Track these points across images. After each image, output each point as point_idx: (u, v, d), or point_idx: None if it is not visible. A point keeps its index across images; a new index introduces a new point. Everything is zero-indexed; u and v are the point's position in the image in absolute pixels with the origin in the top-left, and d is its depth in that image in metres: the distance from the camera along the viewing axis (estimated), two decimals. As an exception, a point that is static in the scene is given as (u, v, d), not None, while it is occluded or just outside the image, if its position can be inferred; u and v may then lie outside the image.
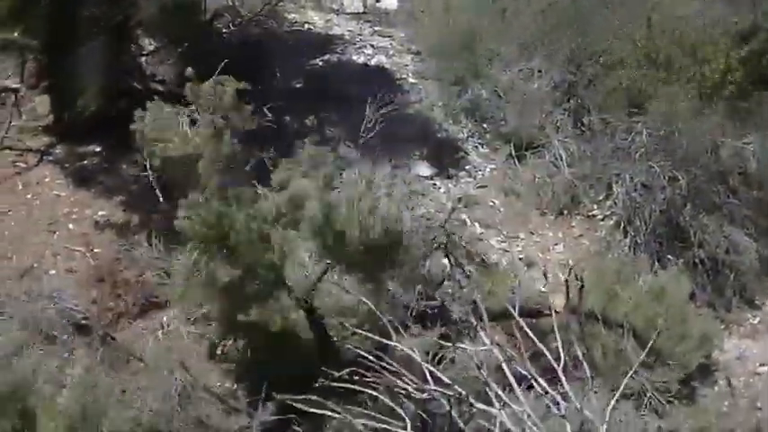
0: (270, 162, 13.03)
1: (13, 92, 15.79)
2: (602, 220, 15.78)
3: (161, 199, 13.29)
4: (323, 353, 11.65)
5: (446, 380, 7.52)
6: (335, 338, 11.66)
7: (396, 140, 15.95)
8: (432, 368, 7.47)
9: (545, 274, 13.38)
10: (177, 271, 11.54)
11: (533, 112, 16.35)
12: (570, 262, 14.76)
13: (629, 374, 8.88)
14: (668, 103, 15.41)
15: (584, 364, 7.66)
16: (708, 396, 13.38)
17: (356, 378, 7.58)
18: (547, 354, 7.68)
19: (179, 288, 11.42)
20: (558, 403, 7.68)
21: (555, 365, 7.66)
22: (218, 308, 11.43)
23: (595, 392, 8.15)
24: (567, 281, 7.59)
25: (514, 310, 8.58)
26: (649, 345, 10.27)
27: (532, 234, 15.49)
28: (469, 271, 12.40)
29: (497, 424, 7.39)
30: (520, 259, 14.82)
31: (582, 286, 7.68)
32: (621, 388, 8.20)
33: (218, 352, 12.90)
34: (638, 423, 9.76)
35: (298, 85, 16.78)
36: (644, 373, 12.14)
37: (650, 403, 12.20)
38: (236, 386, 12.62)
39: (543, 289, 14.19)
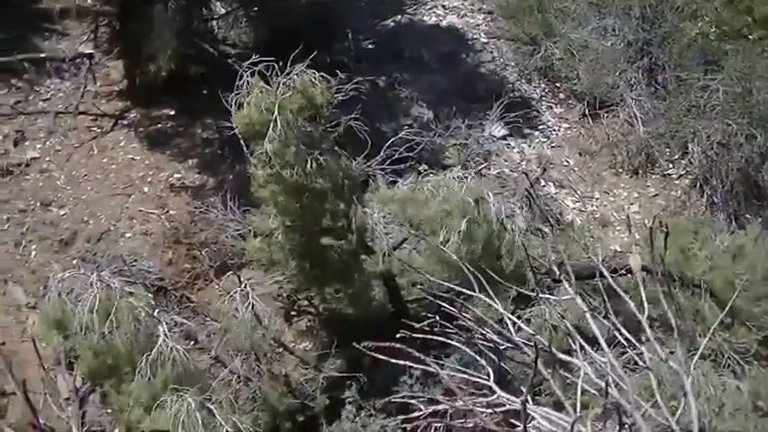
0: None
1: (88, 57, 15.90)
2: (678, 179, 15.61)
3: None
4: (397, 311, 11.66)
5: (529, 330, 7.47)
6: (411, 295, 11.64)
7: (469, 101, 15.87)
8: (514, 318, 7.42)
9: (628, 226, 13.18)
10: (255, 232, 11.56)
11: (607, 70, 16.19)
12: (646, 221, 14.66)
13: (708, 335, 8.73)
14: (745, 60, 15.16)
15: (670, 315, 7.55)
16: (786, 358, 13.19)
17: (435, 329, 7.55)
18: (632, 305, 7.58)
19: (257, 249, 11.44)
20: (641, 354, 7.59)
21: (639, 317, 7.56)
22: (295, 268, 11.44)
23: (672, 353, 8.04)
24: (651, 229, 7.49)
25: (594, 268, 8.51)
26: (729, 305, 10.11)
27: (607, 193, 15.36)
28: (547, 230, 12.29)
29: (580, 375, 7.34)
30: (595, 219, 14.70)
31: (667, 234, 7.58)
32: (702, 346, 8.07)
33: (293, 312, 13.00)
34: (717, 382, 9.59)
35: (369, 46, 16.72)
36: (722, 333, 11.99)
37: (728, 364, 12.02)
38: (309, 344, 12.69)
39: (619, 248, 14.13)
